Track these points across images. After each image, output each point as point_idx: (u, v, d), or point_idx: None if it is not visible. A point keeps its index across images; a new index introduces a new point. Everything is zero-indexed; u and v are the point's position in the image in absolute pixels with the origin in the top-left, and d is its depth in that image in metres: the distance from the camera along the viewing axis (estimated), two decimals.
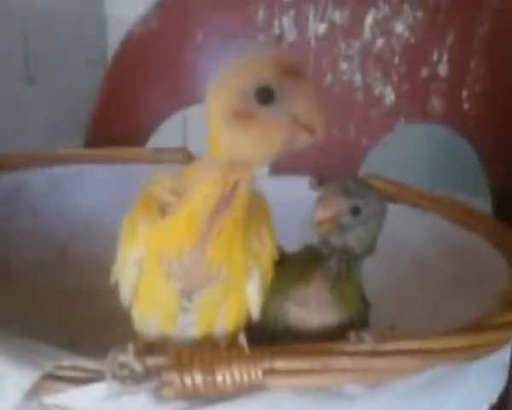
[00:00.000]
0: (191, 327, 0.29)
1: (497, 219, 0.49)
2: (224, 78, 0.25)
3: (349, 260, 0.31)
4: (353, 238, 0.31)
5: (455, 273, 0.45)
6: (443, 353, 0.28)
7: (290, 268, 0.31)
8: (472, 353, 0.29)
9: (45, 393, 0.25)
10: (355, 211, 0.30)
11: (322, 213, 0.30)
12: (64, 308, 0.48)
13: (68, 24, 0.86)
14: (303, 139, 0.25)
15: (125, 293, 0.30)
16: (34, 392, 0.25)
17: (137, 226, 0.28)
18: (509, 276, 0.39)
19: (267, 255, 0.30)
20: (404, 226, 0.51)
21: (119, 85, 0.72)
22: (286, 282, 0.31)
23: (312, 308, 0.31)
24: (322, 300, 0.31)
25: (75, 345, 0.42)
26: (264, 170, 0.50)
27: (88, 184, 0.56)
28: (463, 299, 0.41)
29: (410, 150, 0.73)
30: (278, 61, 0.25)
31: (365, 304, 0.33)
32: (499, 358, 0.34)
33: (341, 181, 0.31)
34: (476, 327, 0.30)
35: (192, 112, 0.70)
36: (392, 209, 0.52)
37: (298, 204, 0.53)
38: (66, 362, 0.25)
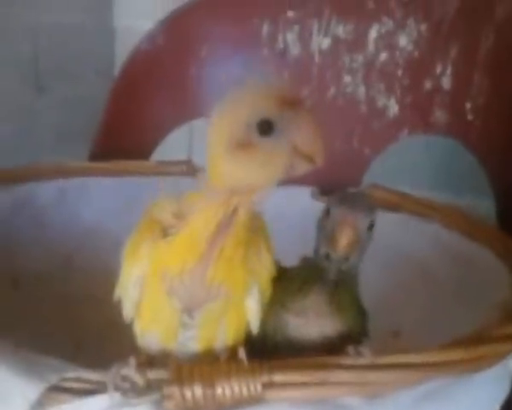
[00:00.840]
0: (191, 342, 0.30)
1: (500, 229, 0.49)
2: (226, 110, 0.27)
3: (347, 272, 0.31)
4: (361, 252, 0.31)
5: (457, 282, 0.45)
6: (442, 366, 0.28)
7: (289, 281, 0.32)
8: (472, 365, 0.29)
9: (50, 404, 0.26)
10: (370, 226, 0.31)
11: (348, 237, 0.30)
12: (69, 316, 0.49)
13: (77, 36, 0.87)
14: (303, 167, 0.26)
15: (127, 310, 0.31)
16: (40, 403, 0.26)
17: (140, 247, 0.29)
18: (511, 285, 0.39)
19: (266, 272, 0.30)
20: (407, 235, 0.51)
21: (125, 99, 0.73)
22: (285, 294, 0.31)
23: (311, 320, 0.31)
24: (321, 311, 0.31)
25: (80, 351, 0.43)
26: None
27: (93, 196, 0.57)
28: (465, 307, 0.41)
29: (413, 161, 0.73)
30: (278, 94, 0.26)
31: (363, 314, 0.33)
32: (501, 369, 0.34)
33: (354, 198, 0.31)
34: (476, 339, 0.30)
35: (198, 124, 0.71)
36: (395, 219, 0.53)
37: (300, 214, 0.54)
38: (71, 374, 0.26)
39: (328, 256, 0.31)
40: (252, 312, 0.30)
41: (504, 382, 0.35)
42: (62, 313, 0.48)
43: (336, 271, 0.31)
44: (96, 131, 0.72)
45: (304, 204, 0.57)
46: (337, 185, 0.58)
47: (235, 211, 0.27)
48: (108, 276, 0.32)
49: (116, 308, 0.32)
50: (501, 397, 0.34)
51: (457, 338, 0.30)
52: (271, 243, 0.31)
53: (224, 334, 0.30)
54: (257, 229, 0.30)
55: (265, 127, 0.26)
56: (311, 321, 0.31)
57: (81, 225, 0.55)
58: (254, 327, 0.31)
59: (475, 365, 0.30)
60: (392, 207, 0.54)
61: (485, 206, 0.60)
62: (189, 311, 0.29)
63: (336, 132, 0.68)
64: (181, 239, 0.28)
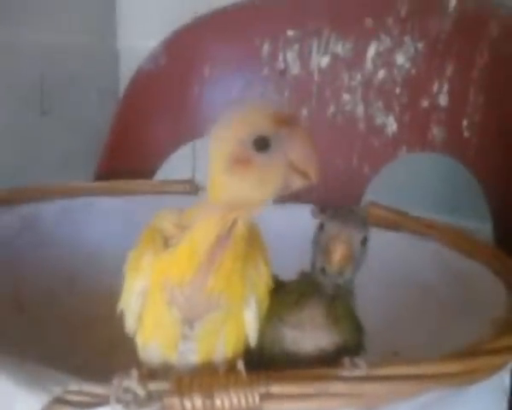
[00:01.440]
0: (191, 354, 0.30)
1: (498, 246, 0.50)
2: (225, 128, 0.28)
3: (343, 286, 0.32)
4: (356, 266, 0.32)
5: (457, 301, 0.45)
6: (437, 378, 0.29)
7: (286, 295, 0.32)
8: (466, 378, 0.30)
9: None
10: (364, 241, 0.31)
11: (342, 252, 0.30)
12: (73, 335, 0.49)
13: (81, 57, 0.88)
14: (298, 183, 0.27)
15: (129, 322, 0.31)
16: None
17: (142, 258, 0.30)
18: (508, 303, 0.40)
19: (263, 285, 0.31)
20: (406, 254, 0.52)
21: (129, 120, 0.74)
22: (282, 308, 0.32)
23: (307, 332, 0.31)
24: (317, 324, 0.31)
25: (84, 369, 0.44)
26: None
27: (97, 216, 0.57)
28: (465, 325, 0.41)
29: (411, 179, 0.74)
30: (274, 113, 0.27)
31: (359, 328, 0.34)
32: (497, 383, 0.34)
33: (347, 213, 0.32)
34: (471, 352, 0.31)
35: (201, 143, 0.72)
36: (394, 237, 0.54)
37: (301, 232, 0.54)
38: (74, 387, 0.27)
39: (323, 270, 0.31)
40: (250, 324, 0.31)
41: (500, 397, 0.35)
42: (67, 335, 0.49)
43: (332, 285, 0.32)
44: (101, 152, 0.74)
45: (304, 223, 0.57)
46: (337, 204, 0.58)
47: (233, 225, 0.28)
48: (111, 294, 0.33)
49: (120, 329, 0.32)
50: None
51: (453, 351, 0.31)
52: (268, 255, 0.32)
53: (223, 347, 0.30)
54: (254, 241, 0.31)
55: (261, 144, 0.27)
56: (308, 334, 0.31)
57: (85, 245, 0.56)
58: (252, 340, 0.31)
59: (470, 377, 0.30)
60: (391, 226, 0.55)
61: (482, 224, 0.61)
62: (189, 322, 0.29)
63: (336, 151, 0.69)
64: (181, 250, 0.29)
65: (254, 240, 0.31)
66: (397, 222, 0.55)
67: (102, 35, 0.93)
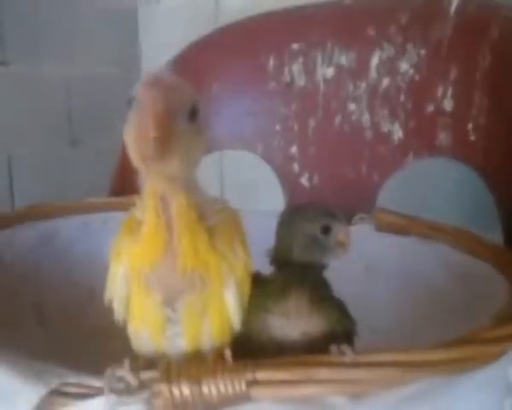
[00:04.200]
0: (179, 339, 0.31)
1: (508, 247, 0.50)
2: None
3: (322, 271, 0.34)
4: (325, 254, 0.34)
5: (465, 302, 0.45)
6: (427, 365, 0.29)
7: (270, 285, 0.33)
8: (458, 366, 0.30)
9: (52, 408, 0.28)
10: (325, 230, 0.34)
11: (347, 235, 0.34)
12: (94, 348, 0.50)
13: (107, 88, 0.91)
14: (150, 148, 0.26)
15: (117, 309, 0.33)
16: (42, 407, 0.27)
17: (121, 245, 0.32)
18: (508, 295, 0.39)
19: (242, 266, 0.32)
20: (415, 258, 0.52)
21: None
22: (267, 298, 0.33)
23: (293, 320, 0.32)
24: (302, 311, 0.32)
25: None
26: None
27: (113, 230, 0.59)
28: (472, 326, 0.41)
29: (420, 184, 0.74)
30: (150, 76, 0.28)
31: (347, 316, 0.34)
32: (498, 377, 0.34)
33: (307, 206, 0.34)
34: (464, 340, 0.31)
35: (210, 158, 0.73)
36: (404, 242, 0.54)
37: None
38: (71, 379, 0.28)
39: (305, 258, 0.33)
40: (231, 306, 0.31)
41: (502, 392, 0.34)
42: (87, 348, 0.50)
43: (314, 271, 0.33)
44: (115, 171, 0.75)
45: None
46: (347, 212, 0.59)
47: (165, 199, 0.29)
48: None
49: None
50: (496, 406, 0.34)
51: (445, 339, 0.31)
52: (246, 240, 0.33)
53: (209, 331, 0.31)
54: (229, 223, 0.32)
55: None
56: (294, 321, 0.32)
57: (102, 259, 0.58)
58: (236, 323, 0.32)
59: (461, 365, 0.30)
60: (401, 231, 0.55)
61: (492, 228, 0.60)
62: (170, 304, 0.30)
63: (344, 160, 0.70)
64: (144, 234, 0.30)
65: (230, 222, 0.32)
66: (406, 227, 0.55)
67: (127, 65, 0.95)
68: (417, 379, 0.29)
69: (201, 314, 0.31)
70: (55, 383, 0.28)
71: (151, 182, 0.29)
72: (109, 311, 0.53)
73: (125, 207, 0.61)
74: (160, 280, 0.30)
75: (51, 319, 0.52)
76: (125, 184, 0.74)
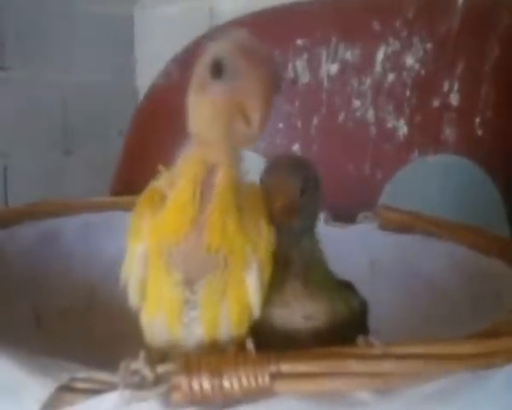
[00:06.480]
0: (196, 326, 0.29)
1: None
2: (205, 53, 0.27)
3: (308, 245, 0.32)
4: (306, 217, 0.32)
5: (474, 299, 0.44)
6: (457, 358, 0.28)
7: None
8: (487, 359, 0.29)
9: (61, 404, 0.26)
10: (302, 191, 0.31)
11: (282, 202, 0.30)
12: (92, 350, 0.49)
13: (102, 96, 0.90)
14: (240, 127, 0.25)
15: (133, 293, 0.31)
16: (51, 404, 0.26)
17: (141, 221, 0.29)
18: None
19: (265, 246, 0.30)
20: (421, 255, 0.51)
21: (143, 134, 0.75)
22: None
23: (294, 306, 0.31)
24: (300, 295, 0.31)
25: None
26: None
27: (116, 230, 0.57)
28: (482, 321, 0.40)
29: (425, 182, 0.73)
30: (240, 42, 0.26)
31: (354, 296, 0.33)
32: None
33: (284, 165, 0.32)
34: (491, 333, 0.30)
35: None
36: (408, 239, 0.53)
37: None
38: (81, 374, 0.26)
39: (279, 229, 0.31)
40: (252, 290, 0.29)
41: None
42: (85, 350, 0.49)
43: (297, 252, 0.31)
44: (116, 170, 0.74)
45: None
46: (351, 209, 0.58)
47: (212, 170, 0.27)
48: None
49: (140, 343, 0.32)
50: None
51: (472, 332, 0.30)
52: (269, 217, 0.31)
53: (228, 317, 0.29)
54: (254, 201, 0.30)
55: (216, 69, 0.25)
56: (295, 308, 0.31)
57: (104, 259, 0.56)
58: (255, 308, 0.30)
59: (491, 359, 0.29)
60: (405, 228, 0.54)
61: (499, 225, 0.59)
62: (190, 284, 0.28)
63: (348, 157, 0.69)
64: (171, 205, 0.28)
65: (255, 201, 0.30)
66: (410, 224, 0.54)
67: (122, 74, 0.95)
68: (447, 373, 0.28)
69: (221, 298, 0.29)
70: (64, 378, 0.26)
71: (202, 150, 0.27)
72: (109, 314, 0.52)
73: (128, 207, 0.60)
74: (184, 256, 0.28)
75: (48, 320, 0.51)
76: (127, 182, 0.73)
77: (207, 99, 0.26)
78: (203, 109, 0.26)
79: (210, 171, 0.27)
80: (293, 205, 0.30)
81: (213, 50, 0.26)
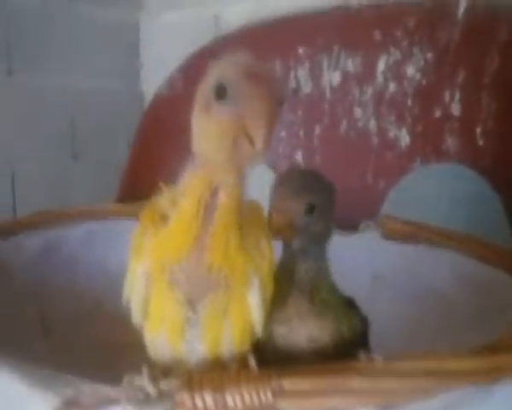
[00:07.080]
0: (197, 343, 0.30)
1: None
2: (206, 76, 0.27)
3: (316, 263, 0.32)
4: (311, 236, 0.31)
5: (478, 309, 0.44)
6: (459, 374, 0.28)
7: None
8: (490, 375, 0.29)
9: None
10: (310, 209, 0.30)
11: (278, 221, 0.30)
12: (98, 359, 0.49)
13: (108, 102, 0.90)
14: (244, 147, 0.26)
15: (135, 312, 0.31)
16: None
17: (143, 240, 0.30)
18: None
19: (267, 266, 0.30)
20: (424, 265, 0.51)
21: (148, 143, 0.75)
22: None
23: (295, 324, 0.31)
24: (304, 313, 0.31)
25: None
26: None
27: (120, 238, 0.58)
28: (486, 333, 0.40)
29: (427, 191, 0.73)
30: (241, 64, 0.26)
31: (356, 315, 0.33)
32: None
33: (294, 180, 0.31)
34: (494, 348, 0.30)
35: None
36: (412, 249, 0.53)
37: None
38: (85, 388, 0.26)
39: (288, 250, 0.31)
40: (254, 310, 0.30)
41: None
42: (92, 359, 0.49)
43: (305, 267, 0.31)
44: (122, 179, 0.74)
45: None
46: (353, 218, 0.58)
47: (216, 191, 0.28)
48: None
49: (144, 351, 0.32)
50: None
51: (475, 347, 0.30)
52: (270, 235, 0.31)
53: (230, 336, 0.30)
54: (256, 221, 0.30)
55: (220, 91, 0.26)
56: (296, 326, 0.31)
57: (108, 267, 0.56)
58: (258, 328, 0.30)
59: (494, 374, 0.29)
60: (408, 238, 0.54)
61: (501, 233, 0.59)
62: (192, 304, 0.29)
63: (350, 166, 0.69)
64: (174, 224, 0.28)
65: (257, 221, 0.30)
66: (413, 234, 0.54)
67: (128, 79, 0.95)
68: (450, 388, 0.28)
69: (222, 317, 0.29)
70: (67, 392, 0.26)
71: (206, 170, 0.28)
72: (114, 323, 0.52)
73: (133, 215, 0.60)
74: (186, 275, 0.28)
75: (55, 329, 0.51)
76: (133, 190, 0.73)
77: (212, 120, 0.26)
78: (208, 130, 0.27)
79: (214, 191, 0.28)
80: (291, 225, 0.30)
81: (217, 73, 0.26)
